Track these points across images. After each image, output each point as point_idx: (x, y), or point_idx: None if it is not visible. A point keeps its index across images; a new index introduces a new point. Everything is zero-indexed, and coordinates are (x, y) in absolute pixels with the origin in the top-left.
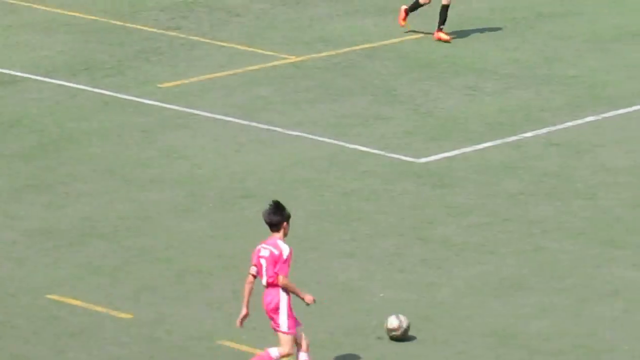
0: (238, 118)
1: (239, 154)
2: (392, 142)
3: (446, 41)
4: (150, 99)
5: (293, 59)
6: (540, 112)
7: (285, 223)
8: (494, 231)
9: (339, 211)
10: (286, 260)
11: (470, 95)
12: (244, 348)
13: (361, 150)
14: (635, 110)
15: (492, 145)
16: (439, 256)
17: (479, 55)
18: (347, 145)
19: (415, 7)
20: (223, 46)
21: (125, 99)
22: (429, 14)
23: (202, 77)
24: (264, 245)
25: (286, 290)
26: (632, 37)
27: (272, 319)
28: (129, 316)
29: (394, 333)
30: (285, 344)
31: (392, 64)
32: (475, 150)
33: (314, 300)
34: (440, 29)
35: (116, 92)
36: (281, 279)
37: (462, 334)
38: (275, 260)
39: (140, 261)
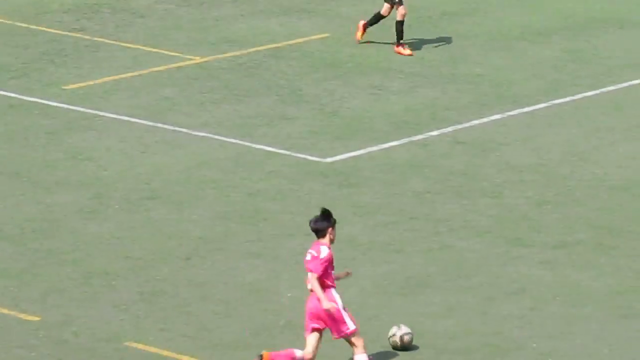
0: (143, 119)
1: (145, 155)
2: (298, 142)
3: (408, 55)
4: (55, 101)
5: (198, 59)
6: (446, 111)
7: (330, 229)
8: (400, 230)
9: (245, 211)
10: (323, 261)
11: (375, 95)
12: (152, 349)
13: (267, 151)
14: (540, 108)
15: (398, 144)
16: (345, 256)
17: (384, 55)
18: (253, 145)
19: (374, 20)
20: (128, 47)
21: (31, 101)
22: (341, 14)
23: (107, 79)
24: (309, 250)
25: (331, 288)
26: (536, 35)
27: (319, 324)
28: (36, 319)
29: (393, 338)
30: (357, 342)
31: (297, 64)
32: (381, 150)
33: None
34: (400, 44)
35: (21, 95)
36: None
37: (369, 334)
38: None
39: (46, 264)
